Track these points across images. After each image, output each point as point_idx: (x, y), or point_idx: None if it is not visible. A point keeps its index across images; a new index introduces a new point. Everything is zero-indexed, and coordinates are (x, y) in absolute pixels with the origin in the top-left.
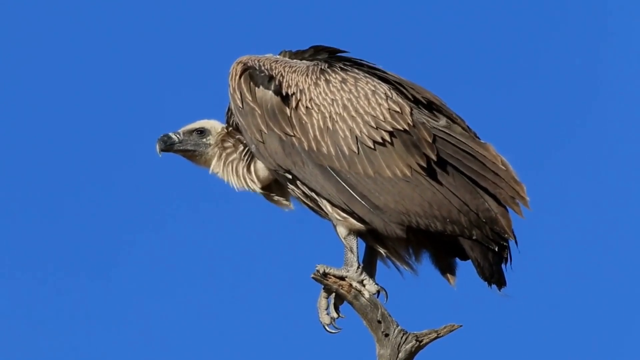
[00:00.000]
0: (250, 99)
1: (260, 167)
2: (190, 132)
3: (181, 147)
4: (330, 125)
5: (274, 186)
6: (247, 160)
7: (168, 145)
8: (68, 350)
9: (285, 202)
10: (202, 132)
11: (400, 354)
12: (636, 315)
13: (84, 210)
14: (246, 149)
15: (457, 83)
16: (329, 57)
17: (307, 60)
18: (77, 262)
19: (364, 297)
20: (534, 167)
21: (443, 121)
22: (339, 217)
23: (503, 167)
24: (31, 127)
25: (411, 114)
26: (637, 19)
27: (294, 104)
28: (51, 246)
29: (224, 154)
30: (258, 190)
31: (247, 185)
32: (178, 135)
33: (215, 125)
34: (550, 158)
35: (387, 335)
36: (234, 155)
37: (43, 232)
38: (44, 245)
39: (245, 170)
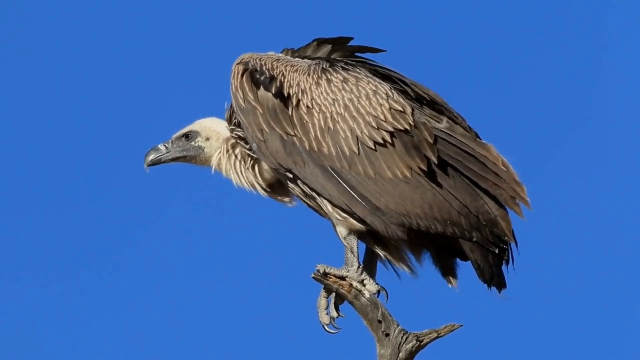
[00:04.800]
0: (252, 97)
1: (265, 167)
2: (179, 138)
3: (169, 157)
4: (331, 125)
5: (276, 184)
6: (252, 158)
7: (155, 161)
8: (66, 350)
9: (287, 200)
10: (188, 136)
11: (400, 354)
12: (636, 316)
13: (84, 209)
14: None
15: (457, 83)
16: (332, 50)
17: (309, 58)
18: (77, 262)
19: (364, 296)
20: (534, 168)
21: (444, 123)
22: (339, 217)
23: (504, 168)
24: (30, 128)
25: (412, 114)
26: (637, 20)
27: (295, 103)
28: (49, 246)
29: (228, 152)
30: (261, 190)
31: (251, 184)
32: (167, 145)
33: (207, 124)
34: (550, 159)
35: (387, 335)
36: (237, 152)
37: (41, 232)
38: (42, 245)
39: (250, 168)
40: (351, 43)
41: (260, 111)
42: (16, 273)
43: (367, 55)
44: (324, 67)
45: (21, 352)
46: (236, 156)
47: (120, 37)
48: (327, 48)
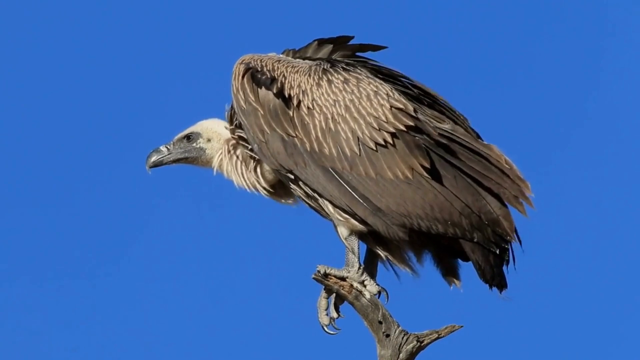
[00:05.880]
0: (253, 99)
1: (267, 167)
2: (181, 139)
3: (171, 159)
4: (332, 126)
5: (278, 185)
6: (253, 159)
7: (157, 162)
8: (64, 350)
9: (289, 201)
10: (189, 137)
11: (401, 355)
12: (636, 316)
13: (86, 210)
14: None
15: (457, 83)
16: (333, 50)
17: (310, 58)
18: (75, 263)
19: (365, 297)
20: (535, 168)
21: (448, 125)
22: (340, 218)
23: (507, 166)
24: (30, 128)
25: (414, 114)
26: (637, 19)
27: (296, 104)
28: (48, 246)
29: (230, 154)
30: (263, 191)
31: (253, 185)
32: (168, 147)
33: (208, 126)
34: (551, 158)
35: (388, 335)
36: (239, 153)
37: (40, 232)
38: (41, 245)
39: (251, 169)
40: (352, 42)
41: (261, 112)
42: (15, 273)
43: (368, 53)
44: (325, 67)
45: (20, 352)
46: (237, 157)
47: (122, 38)
48: (328, 48)
